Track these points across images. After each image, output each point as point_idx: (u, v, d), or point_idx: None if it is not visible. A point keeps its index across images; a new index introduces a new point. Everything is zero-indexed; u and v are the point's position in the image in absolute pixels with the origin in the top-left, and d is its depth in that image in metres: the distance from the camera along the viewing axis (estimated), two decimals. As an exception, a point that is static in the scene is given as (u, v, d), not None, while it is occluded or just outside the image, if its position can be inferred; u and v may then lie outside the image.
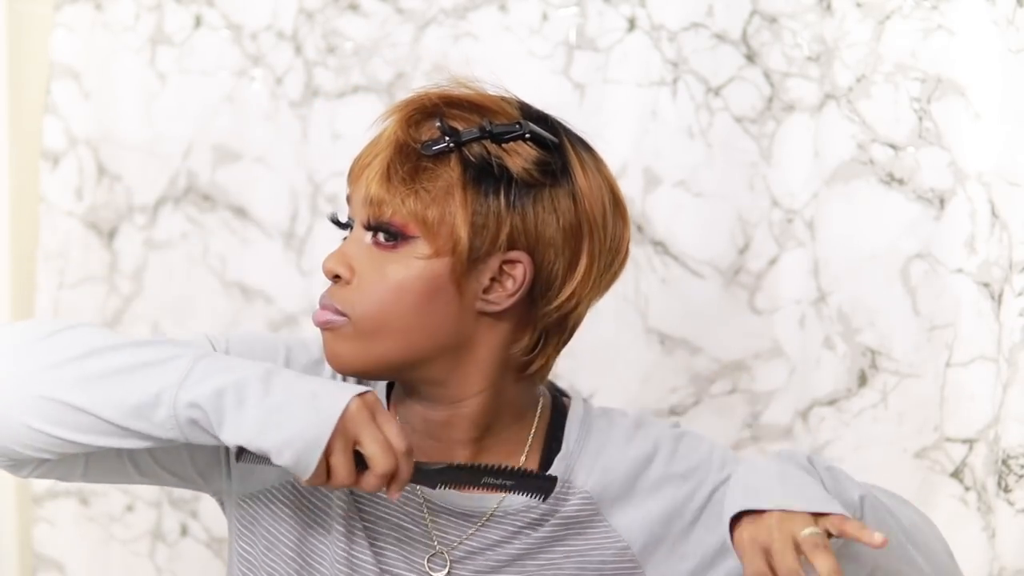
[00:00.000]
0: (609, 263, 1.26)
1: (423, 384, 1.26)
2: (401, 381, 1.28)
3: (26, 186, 2.16)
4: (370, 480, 1.16)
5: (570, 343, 1.86)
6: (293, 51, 2.01)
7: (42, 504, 2.20)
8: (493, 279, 1.23)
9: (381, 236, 1.22)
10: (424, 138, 1.22)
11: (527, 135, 1.22)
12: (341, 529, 1.27)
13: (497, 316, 1.24)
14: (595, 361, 1.84)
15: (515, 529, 1.27)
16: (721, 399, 1.81)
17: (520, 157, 1.22)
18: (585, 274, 1.25)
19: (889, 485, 1.64)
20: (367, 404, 1.17)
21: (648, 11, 1.81)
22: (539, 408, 1.31)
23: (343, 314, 1.23)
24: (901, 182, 1.64)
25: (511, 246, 1.22)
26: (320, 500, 1.29)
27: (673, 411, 1.83)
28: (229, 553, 1.34)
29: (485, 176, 1.21)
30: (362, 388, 1.18)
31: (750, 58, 1.77)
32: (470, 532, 1.27)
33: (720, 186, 1.79)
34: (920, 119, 1.62)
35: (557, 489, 1.26)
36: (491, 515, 1.28)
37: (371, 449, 1.16)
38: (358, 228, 1.24)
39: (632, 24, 1.82)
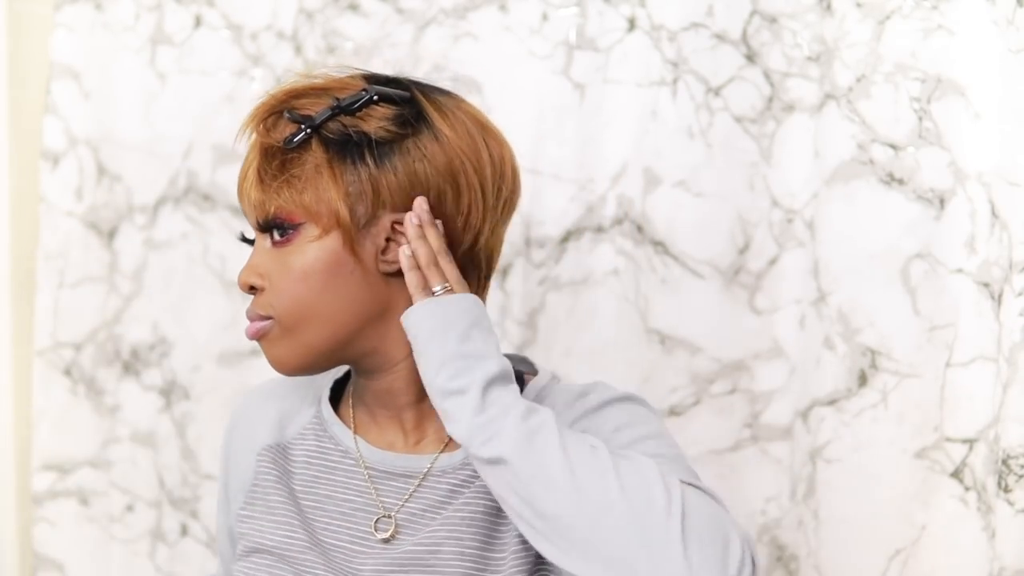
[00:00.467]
0: (498, 188, 1.31)
1: (361, 358, 1.31)
2: (343, 363, 1.33)
3: (26, 186, 2.16)
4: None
5: (570, 343, 1.86)
6: (293, 51, 2.01)
7: (42, 504, 2.20)
8: (388, 239, 1.28)
9: (276, 234, 1.28)
10: (284, 135, 1.28)
11: (375, 97, 1.28)
12: (295, 521, 1.32)
13: (400, 273, 1.29)
14: (595, 361, 1.84)
15: (451, 488, 1.30)
16: (721, 399, 1.81)
17: (374, 119, 1.28)
18: (471, 204, 1.29)
19: (889, 485, 1.65)
20: None
21: (648, 11, 1.81)
22: None
23: (267, 317, 1.29)
24: (901, 182, 1.64)
25: (395, 202, 1.27)
26: (273, 497, 1.35)
27: (673, 411, 1.83)
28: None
29: (347, 147, 1.27)
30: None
31: (750, 58, 1.77)
32: (410, 492, 1.31)
33: (720, 186, 1.79)
34: (920, 119, 1.62)
35: None
36: (427, 474, 1.31)
37: None
38: (257, 237, 1.30)
39: (632, 24, 1.82)
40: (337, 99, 1.28)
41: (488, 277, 1.34)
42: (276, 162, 1.28)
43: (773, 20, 1.76)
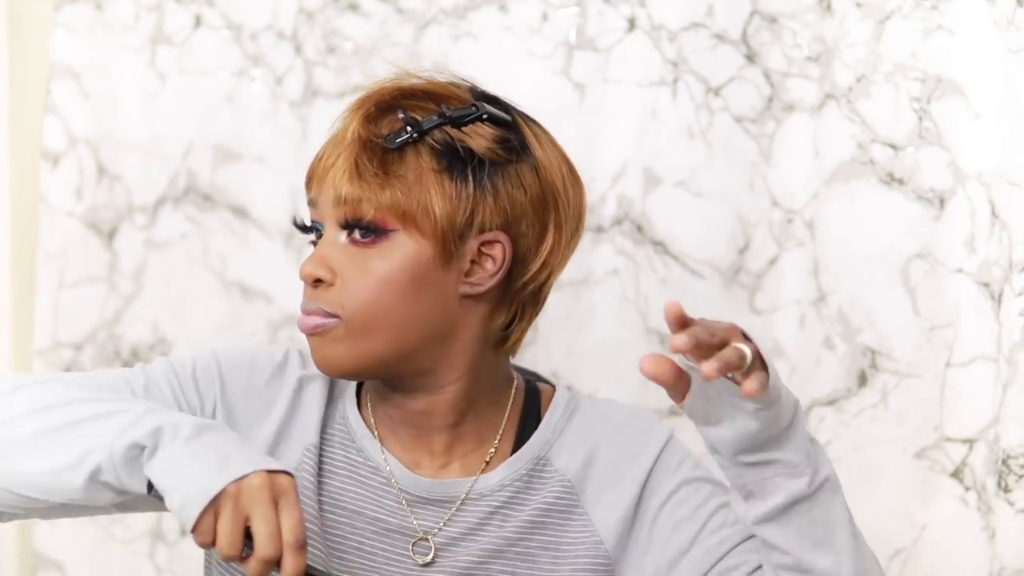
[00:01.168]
0: (573, 231, 1.29)
1: (410, 376, 1.27)
2: (390, 377, 1.28)
3: (26, 186, 2.16)
4: (251, 564, 1.13)
5: (570, 343, 1.86)
6: (293, 51, 2.01)
7: (42, 504, 2.20)
8: (473, 261, 1.24)
9: (358, 233, 1.23)
10: (385, 132, 1.24)
11: (484, 116, 1.24)
12: (315, 528, 1.27)
13: (477, 297, 1.25)
14: (595, 361, 1.84)
15: (490, 510, 1.27)
16: (721, 399, 1.81)
17: (482, 138, 1.24)
18: (554, 244, 1.27)
19: (889, 485, 1.65)
20: (274, 484, 1.13)
21: (648, 11, 1.81)
22: (513, 391, 1.31)
23: (333, 315, 1.24)
24: (901, 182, 1.64)
25: (487, 226, 1.24)
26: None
27: (673, 411, 1.82)
28: (206, 556, 1.34)
29: (453, 160, 1.23)
30: (284, 468, 1.15)
31: (750, 58, 1.77)
32: (447, 518, 1.28)
33: (720, 186, 1.79)
34: (920, 119, 1.62)
35: (534, 466, 1.28)
36: (464, 499, 1.28)
37: (258, 529, 1.12)
38: (331, 229, 1.25)
39: (632, 24, 1.82)
40: (447, 108, 1.24)
41: (538, 314, 1.30)
42: (376, 160, 1.22)
43: (773, 20, 1.76)
